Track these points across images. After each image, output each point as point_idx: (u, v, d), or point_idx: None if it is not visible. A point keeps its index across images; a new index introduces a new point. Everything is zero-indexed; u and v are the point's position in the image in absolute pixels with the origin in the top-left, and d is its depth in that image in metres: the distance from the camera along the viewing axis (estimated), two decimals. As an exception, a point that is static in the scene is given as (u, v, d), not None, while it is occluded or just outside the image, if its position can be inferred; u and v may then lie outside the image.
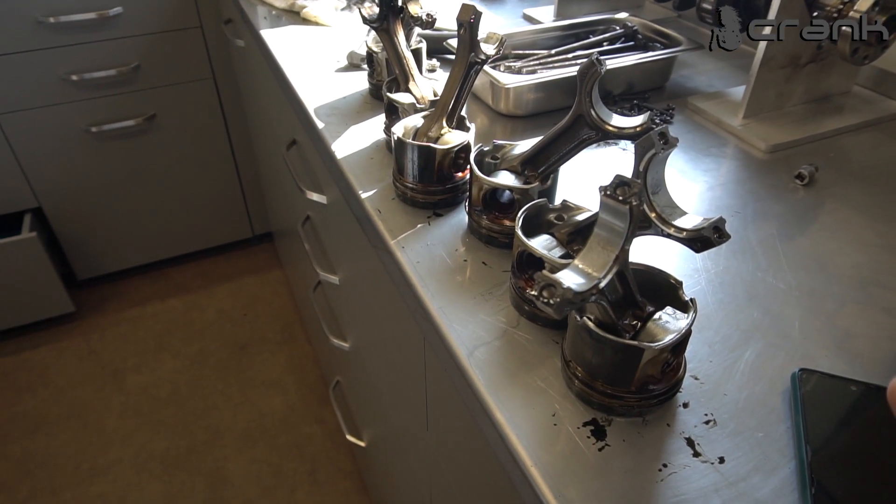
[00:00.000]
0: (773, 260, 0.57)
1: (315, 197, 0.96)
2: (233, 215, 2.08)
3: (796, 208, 0.63)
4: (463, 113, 0.64)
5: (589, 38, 0.92)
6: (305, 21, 1.09)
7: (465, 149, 0.61)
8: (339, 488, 1.51)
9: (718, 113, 0.79)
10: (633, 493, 0.39)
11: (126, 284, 2.07)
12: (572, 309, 0.39)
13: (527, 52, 0.88)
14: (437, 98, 0.64)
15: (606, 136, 0.51)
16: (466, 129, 0.63)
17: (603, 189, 0.38)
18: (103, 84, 1.65)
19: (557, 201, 0.54)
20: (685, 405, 0.44)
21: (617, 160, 0.72)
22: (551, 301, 0.36)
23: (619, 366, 0.41)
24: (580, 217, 0.51)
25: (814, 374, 0.45)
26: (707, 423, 0.43)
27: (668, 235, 0.41)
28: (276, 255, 2.19)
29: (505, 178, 0.57)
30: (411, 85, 0.69)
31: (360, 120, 0.79)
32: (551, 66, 0.84)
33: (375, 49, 0.80)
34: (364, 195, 0.65)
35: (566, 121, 0.53)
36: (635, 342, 0.40)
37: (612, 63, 0.80)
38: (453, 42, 0.85)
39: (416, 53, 0.74)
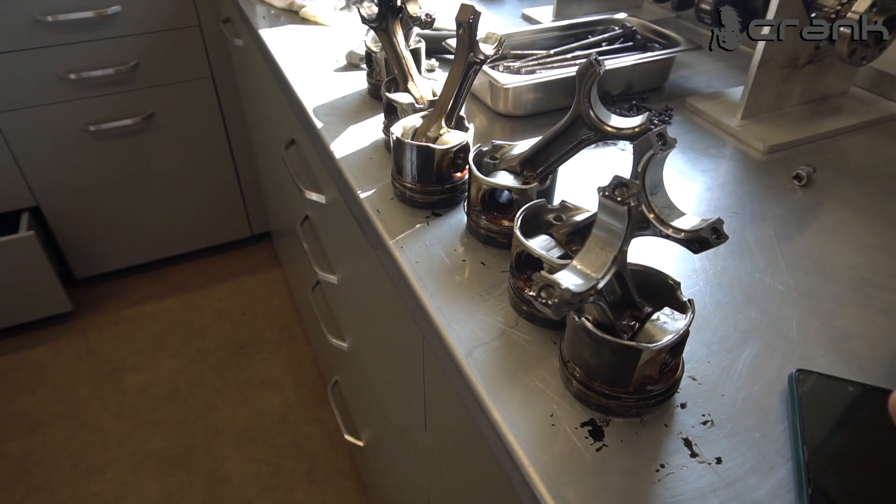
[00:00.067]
0: (771, 261, 0.57)
1: (314, 196, 0.96)
2: (231, 215, 2.08)
3: (794, 209, 0.64)
4: (462, 113, 0.64)
5: (588, 38, 0.92)
6: (304, 20, 1.09)
7: (464, 149, 0.61)
8: (338, 488, 1.51)
9: (717, 113, 0.79)
10: (630, 493, 0.39)
11: (124, 283, 2.07)
12: (570, 309, 0.39)
13: (526, 52, 0.88)
14: (436, 98, 0.64)
15: (605, 136, 0.51)
16: (465, 130, 0.63)
17: (601, 190, 0.39)
18: (101, 83, 1.65)
19: (556, 202, 0.54)
20: (683, 406, 0.44)
21: (615, 161, 0.72)
22: (549, 301, 0.36)
23: (617, 366, 0.41)
24: (579, 217, 0.51)
25: (811, 375, 0.45)
26: (704, 423, 0.43)
27: (667, 236, 0.41)
28: (274, 255, 2.19)
29: (503, 179, 0.57)
30: (410, 85, 0.69)
31: (359, 120, 0.79)
32: (550, 66, 0.84)
33: (374, 49, 0.80)
34: (363, 195, 0.65)
35: (565, 121, 0.53)
36: (633, 343, 0.40)
37: (611, 63, 0.80)
38: (452, 42, 0.85)
39: (415, 53, 0.74)
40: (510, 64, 0.85)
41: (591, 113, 0.51)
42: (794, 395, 0.43)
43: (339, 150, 0.73)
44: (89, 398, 1.72)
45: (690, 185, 0.68)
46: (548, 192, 0.58)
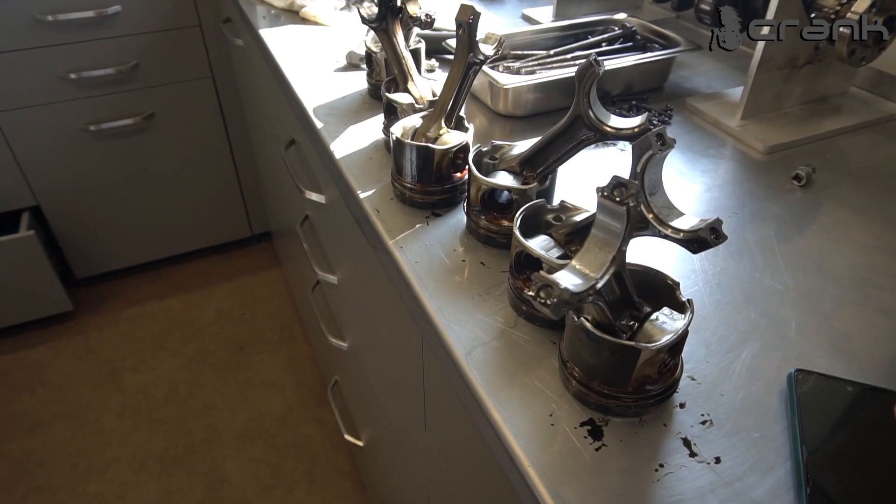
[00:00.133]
0: (770, 261, 0.57)
1: (314, 197, 0.96)
2: (231, 215, 2.08)
3: (794, 209, 0.64)
4: (461, 113, 0.64)
5: (587, 38, 0.92)
6: (304, 20, 1.09)
7: (464, 149, 0.61)
8: (338, 488, 1.51)
9: (716, 114, 0.79)
10: (629, 493, 0.39)
11: (124, 283, 2.07)
12: (569, 309, 0.39)
13: (525, 52, 0.89)
14: (436, 98, 0.64)
15: (604, 136, 0.51)
16: (465, 130, 0.63)
17: (600, 190, 0.39)
18: (102, 82, 1.65)
19: (555, 202, 0.54)
20: (682, 405, 0.44)
21: (615, 161, 0.72)
22: (549, 301, 0.36)
23: (616, 366, 0.41)
24: (578, 218, 0.51)
25: (810, 375, 0.45)
26: (703, 423, 0.43)
27: (666, 236, 0.41)
28: (274, 255, 2.19)
29: (503, 179, 0.57)
30: (410, 85, 0.69)
31: (359, 120, 0.79)
32: (550, 66, 0.84)
33: (374, 49, 0.80)
34: (363, 195, 0.66)
35: (564, 121, 0.53)
36: (632, 343, 0.40)
37: (611, 64, 0.80)
38: (452, 42, 0.85)
39: (415, 53, 0.74)
40: (510, 64, 0.85)
41: (591, 113, 0.51)
42: (793, 394, 0.43)
43: (339, 151, 0.73)
44: (89, 398, 1.72)
45: (690, 185, 0.68)
46: (547, 193, 0.58)
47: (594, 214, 0.41)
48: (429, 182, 0.61)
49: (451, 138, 0.62)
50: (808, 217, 0.63)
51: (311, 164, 1.01)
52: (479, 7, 0.79)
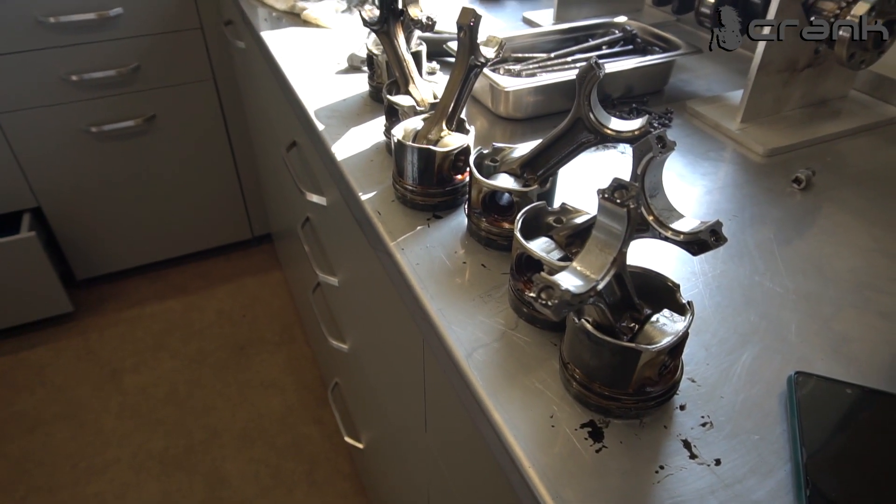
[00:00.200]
0: (770, 263, 0.57)
1: (315, 198, 0.97)
2: (232, 216, 2.08)
3: (793, 212, 0.64)
4: (463, 116, 0.64)
5: (588, 41, 0.92)
6: (306, 23, 1.10)
7: (465, 151, 0.61)
8: (338, 489, 1.51)
9: (716, 117, 0.79)
10: (629, 494, 0.39)
11: (125, 285, 2.07)
12: (570, 311, 0.39)
13: (526, 55, 0.89)
14: (437, 101, 0.64)
15: (605, 139, 0.52)
16: (466, 132, 0.63)
17: (601, 192, 0.39)
18: (103, 84, 1.66)
19: (556, 204, 0.55)
20: (682, 407, 0.44)
21: (615, 163, 0.72)
22: (549, 303, 0.36)
23: (617, 368, 0.41)
24: (579, 220, 0.51)
25: (810, 378, 0.45)
26: (704, 425, 0.43)
27: (666, 238, 0.41)
28: (275, 257, 2.19)
29: (504, 181, 0.57)
30: (411, 87, 0.69)
31: (360, 122, 0.79)
32: (550, 69, 0.84)
33: (376, 51, 0.80)
34: (364, 197, 0.66)
35: (565, 124, 0.53)
36: (633, 344, 0.40)
37: (611, 67, 0.80)
38: (453, 45, 0.85)
39: (417, 56, 0.75)
40: (511, 67, 0.85)
41: (592, 116, 0.51)
42: (793, 397, 0.43)
43: (341, 153, 0.73)
44: (89, 398, 1.72)
45: (690, 188, 0.68)
46: (548, 195, 0.58)
47: (595, 216, 0.41)
48: (430, 184, 0.62)
49: (452, 141, 0.62)
50: (807, 220, 0.63)
51: (313, 166, 1.01)
52: (480, 10, 0.80)
